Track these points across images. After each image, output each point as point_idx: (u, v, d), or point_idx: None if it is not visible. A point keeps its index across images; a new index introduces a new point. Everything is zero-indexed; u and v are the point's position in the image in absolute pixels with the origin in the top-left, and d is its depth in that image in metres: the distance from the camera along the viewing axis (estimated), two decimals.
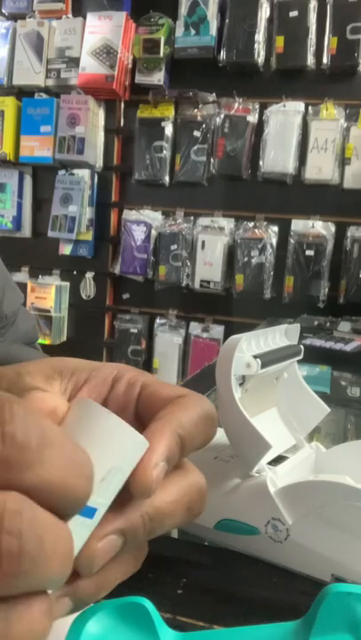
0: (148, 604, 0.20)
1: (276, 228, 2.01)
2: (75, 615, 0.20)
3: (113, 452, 0.22)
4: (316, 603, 0.20)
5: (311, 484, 0.35)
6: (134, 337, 2.17)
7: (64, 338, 2.25)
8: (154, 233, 2.11)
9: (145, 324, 2.16)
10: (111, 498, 0.22)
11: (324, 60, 1.91)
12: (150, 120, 2.09)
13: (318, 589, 0.23)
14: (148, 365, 2.14)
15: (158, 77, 2.06)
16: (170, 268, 2.08)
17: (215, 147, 2.03)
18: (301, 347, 0.44)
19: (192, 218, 2.08)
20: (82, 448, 0.19)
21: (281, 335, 0.44)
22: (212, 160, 2.04)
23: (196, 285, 2.06)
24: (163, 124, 2.07)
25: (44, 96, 2.17)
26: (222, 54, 1.98)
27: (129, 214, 2.14)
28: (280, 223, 2.01)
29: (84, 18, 2.10)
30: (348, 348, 1.35)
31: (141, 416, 0.28)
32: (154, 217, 2.12)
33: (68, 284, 2.25)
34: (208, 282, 2.05)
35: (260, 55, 1.97)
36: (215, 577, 0.38)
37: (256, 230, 2.00)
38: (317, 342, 1.33)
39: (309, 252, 1.94)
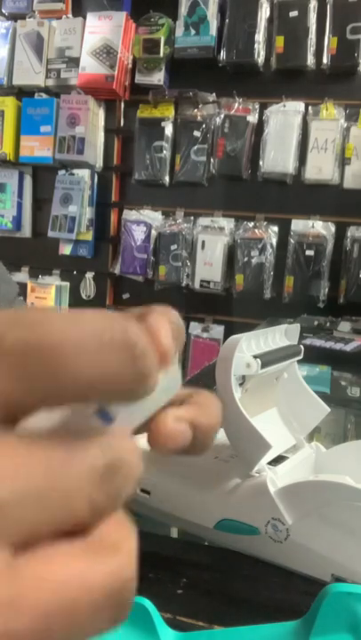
0: (149, 604, 0.20)
1: (276, 228, 2.01)
2: None
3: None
4: (317, 603, 0.20)
5: (311, 484, 0.35)
6: None
7: None
8: (154, 233, 2.11)
9: None
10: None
11: (324, 60, 1.91)
12: (150, 120, 2.09)
13: (318, 589, 0.23)
14: None
15: (158, 77, 2.06)
16: (170, 267, 2.08)
17: (215, 147, 2.03)
18: (301, 347, 0.44)
19: (192, 218, 2.08)
20: None
21: (281, 335, 0.44)
22: (212, 160, 2.04)
23: (196, 285, 2.06)
24: (163, 124, 2.07)
25: (44, 96, 2.17)
26: (222, 54, 1.98)
27: (129, 214, 2.14)
28: (280, 223, 2.01)
29: (84, 18, 2.10)
30: (349, 347, 1.35)
31: None
32: (154, 217, 2.12)
33: (68, 284, 2.25)
34: (208, 282, 2.05)
35: (260, 55, 1.97)
36: (215, 577, 0.38)
37: (256, 230, 2.00)
38: (317, 342, 1.33)
39: (309, 252, 1.94)
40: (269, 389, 0.45)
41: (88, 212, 2.17)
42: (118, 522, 0.17)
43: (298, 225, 1.97)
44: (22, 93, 2.19)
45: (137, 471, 0.17)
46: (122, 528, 0.17)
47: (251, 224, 2.01)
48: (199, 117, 2.05)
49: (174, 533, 0.47)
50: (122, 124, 2.17)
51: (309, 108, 1.95)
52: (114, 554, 0.16)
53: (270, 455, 0.41)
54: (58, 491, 0.15)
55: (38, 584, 0.15)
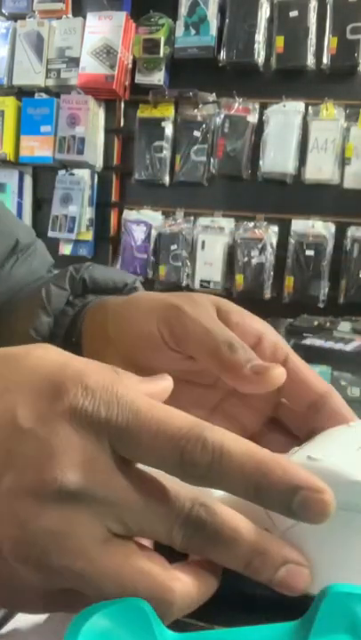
0: (147, 606, 0.20)
1: (276, 228, 2.01)
2: (72, 617, 0.20)
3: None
4: (315, 603, 0.20)
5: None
6: None
7: None
8: (154, 233, 2.10)
9: None
10: None
11: (324, 60, 1.91)
12: (150, 120, 2.09)
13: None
14: None
15: (158, 77, 2.06)
16: (170, 267, 2.07)
17: (215, 147, 2.03)
18: None
19: (192, 218, 2.08)
20: None
21: None
22: (212, 160, 2.04)
23: (196, 285, 2.06)
24: (163, 124, 2.07)
25: (44, 96, 2.17)
26: (222, 54, 1.98)
27: (129, 214, 2.14)
28: (280, 223, 2.01)
29: (84, 18, 2.10)
30: (349, 347, 1.35)
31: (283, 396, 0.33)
32: (154, 217, 2.12)
33: None
34: (208, 282, 2.05)
35: (260, 55, 1.96)
36: None
37: (256, 230, 2.00)
38: (317, 342, 1.33)
39: (309, 252, 1.94)
40: None
41: (88, 212, 2.16)
42: (196, 573, 0.23)
43: (298, 225, 1.97)
44: (22, 93, 2.19)
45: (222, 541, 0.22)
46: (193, 577, 0.23)
47: (251, 224, 2.01)
48: (199, 117, 2.04)
49: None
50: (122, 124, 2.16)
51: (309, 107, 1.95)
52: (171, 586, 0.22)
53: None
54: (148, 517, 0.22)
55: (110, 569, 0.22)
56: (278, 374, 0.30)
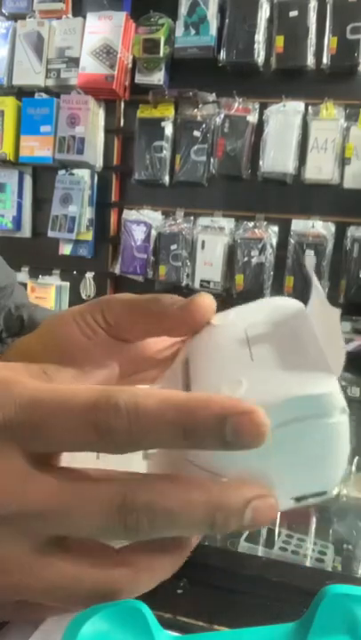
0: (145, 608, 0.20)
1: (276, 228, 2.01)
2: (70, 618, 0.20)
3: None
4: (314, 604, 0.20)
5: None
6: None
7: None
8: (154, 233, 2.10)
9: None
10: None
11: (324, 60, 1.91)
12: (150, 120, 2.09)
13: (318, 589, 0.23)
14: None
15: (158, 77, 2.06)
16: (170, 267, 2.08)
17: (215, 147, 2.03)
18: None
19: (192, 218, 2.08)
20: None
21: None
22: (212, 160, 2.04)
23: (196, 285, 2.06)
24: (163, 124, 2.07)
25: (44, 96, 2.17)
26: (222, 54, 1.98)
27: (129, 214, 2.14)
28: (280, 223, 2.01)
29: (84, 18, 2.10)
30: (349, 348, 1.35)
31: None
32: (154, 217, 2.12)
33: (68, 283, 2.25)
34: (208, 282, 2.05)
35: (260, 55, 1.96)
36: (215, 577, 0.38)
37: (256, 230, 2.00)
38: None
39: (309, 252, 1.94)
40: None
41: (88, 212, 2.16)
42: (148, 550, 0.22)
43: (298, 225, 1.97)
44: (22, 93, 2.19)
45: (163, 515, 0.20)
46: (143, 556, 0.22)
47: (251, 224, 2.01)
48: (199, 117, 2.04)
49: None
50: (122, 123, 2.16)
51: (309, 107, 1.95)
52: (113, 576, 0.21)
53: None
54: (79, 516, 0.21)
55: (47, 571, 0.21)
56: (203, 299, 0.28)
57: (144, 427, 0.20)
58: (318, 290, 0.25)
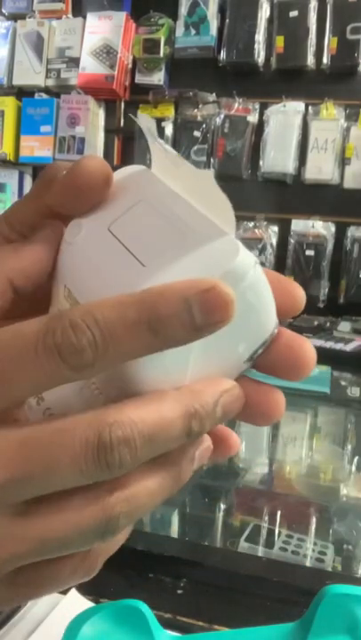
0: (144, 607, 0.20)
1: (276, 228, 2.01)
2: (70, 618, 0.20)
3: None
4: (314, 604, 0.20)
5: None
6: None
7: None
8: None
9: None
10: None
11: (324, 60, 1.91)
12: None
13: (318, 589, 0.23)
14: None
15: (158, 77, 2.06)
16: None
17: (215, 147, 2.03)
18: None
19: None
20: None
21: None
22: (212, 160, 2.04)
23: None
24: (163, 124, 2.07)
25: (44, 96, 2.17)
26: (222, 54, 1.98)
27: None
28: (280, 223, 2.01)
29: (84, 18, 2.10)
30: (348, 348, 1.35)
31: None
32: None
33: None
34: None
35: (260, 55, 1.96)
36: (215, 577, 0.38)
37: (256, 230, 2.00)
38: (317, 342, 1.33)
39: (309, 252, 1.94)
40: None
41: None
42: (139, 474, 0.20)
43: (298, 225, 1.97)
44: (22, 93, 2.19)
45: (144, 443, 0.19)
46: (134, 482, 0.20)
47: (251, 224, 2.01)
48: (199, 117, 2.04)
49: (174, 533, 0.47)
50: (122, 123, 2.16)
51: (309, 107, 1.95)
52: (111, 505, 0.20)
53: None
54: (44, 474, 0.18)
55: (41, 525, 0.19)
56: (88, 160, 0.23)
57: (109, 335, 0.18)
58: (160, 147, 0.22)
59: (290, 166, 1.95)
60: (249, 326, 0.21)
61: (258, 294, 0.21)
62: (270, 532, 0.60)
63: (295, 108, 1.95)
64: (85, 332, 0.18)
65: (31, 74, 2.14)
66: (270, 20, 1.97)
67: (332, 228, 1.96)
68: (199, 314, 0.18)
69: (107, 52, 2.06)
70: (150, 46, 2.03)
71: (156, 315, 0.18)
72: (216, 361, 0.21)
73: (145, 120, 0.23)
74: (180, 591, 0.36)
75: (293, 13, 1.93)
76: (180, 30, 2.02)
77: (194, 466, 0.22)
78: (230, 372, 0.22)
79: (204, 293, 0.18)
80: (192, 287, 0.18)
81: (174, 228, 0.21)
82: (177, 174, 0.22)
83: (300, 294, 0.24)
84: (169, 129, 2.07)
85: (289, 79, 1.98)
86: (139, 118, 0.23)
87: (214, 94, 2.03)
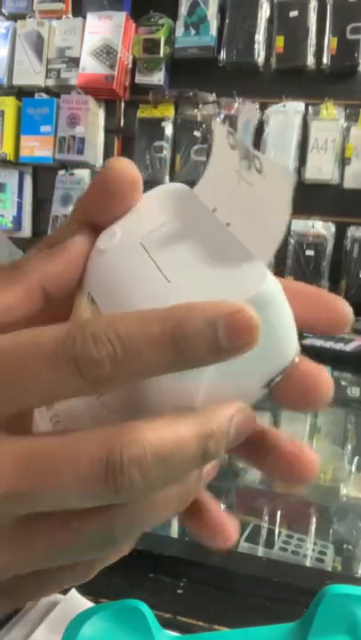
0: (144, 607, 0.20)
1: None
2: (70, 618, 0.20)
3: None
4: (314, 604, 0.20)
5: None
6: None
7: None
8: None
9: None
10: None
11: (324, 60, 1.91)
12: (150, 120, 2.09)
13: (319, 589, 0.23)
14: None
15: (158, 77, 2.06)
16: None
17: None
18: None
19: None
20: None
21: None
22: None
23: None
24: (163, 124, 2.07)
25: (44, 96, 2.17)
26: (222, 54, 1.98)
27: None
28: None
29: (84, 18, 2.10)
30: (348, 348, 1.35)
31: None
32: None
33: None
34: None
35: (260, 55, 1.96)
36: (215, 577, 0.38)
37: None
38: (317, 342, 1.33)
39: (309, 252, 1.94)
40: None
41: None
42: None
43: (298, 225, 1.97)
44: (22, 93, 2.19)
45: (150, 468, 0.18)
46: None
47: None
48: (199, 117, 2.04)
49: (174, 533, 0.47)
50: (122, 123, 2.16)
51: (309, 107, 1.95)
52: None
53: None
54: (48, 492, 0.18)
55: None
56: (115, 161, 0.23)
57: (131, 350, 0.17)
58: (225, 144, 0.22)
59: (290, 166, 1.94)
60: (269, 352, 0.21)
61: (281, 321, 0.21)
62: (270, 532, 0.60)
63: (295, 108, 1.95)
64: (106, 345, 0.17)
65: (31, 74, 2.14)
66: (270, 20, 1.97)
67: (332, 228, 1.96)
68: (224, 336, 0.17)
69: (107, 52, 2.06)
70: (150, 46, 2.03)
71: (181, 333, 0.17)
72: (232, 385, 0.21)
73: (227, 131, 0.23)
74: (180, 591, 0.36)
75: (293, 13, 1.93)
76: (179, 30, 2.02)
77: (201, 484, 0.22)
78: (246, 397, 0.21)
79: (231, 316, 0.17)
80: (219, 309, 0.18)
81: (205, 248, 0.21)
82: (252, 181, 0.22)
83: (345, 310, 0.23)
84: (169, 129, 2.07)
85: (289, 79, 1.98)
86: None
87: (214, 94, 2.03)
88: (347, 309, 0.23)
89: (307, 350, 0.23)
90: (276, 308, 0.20)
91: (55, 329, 0.18)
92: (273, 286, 0.20)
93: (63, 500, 0.18)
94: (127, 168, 0.23)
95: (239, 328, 0.17)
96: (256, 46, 1.95)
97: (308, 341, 1.31)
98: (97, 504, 0.18)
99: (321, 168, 1.93)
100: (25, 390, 0.18)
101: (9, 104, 2.17)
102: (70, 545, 0.19)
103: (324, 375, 0.22)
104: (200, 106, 2.05)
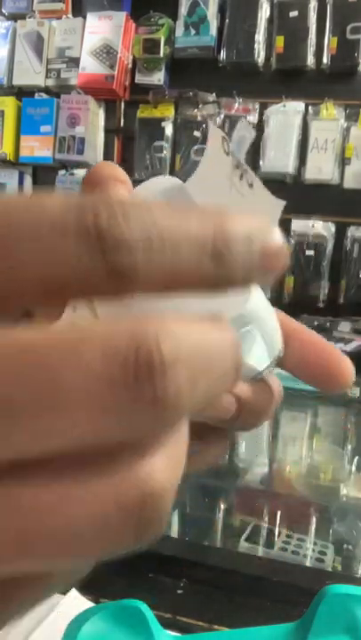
0: (144, 607, 0.20)
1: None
2: (70, 618, 0.20)
3: None
4: (314, 604, 0.20)
5: None
6: None
7: None
8: None
9: None
10: None
11: (324, 60, 1.91)
12: (150, 120, 2.09)
13: (318, 589, 0.23)
14: None
15: (158, 77, 2.06)
16: None
17: None
18: None
19: None
20: None
21: None
22: None
23: None
24: (163, 124, 2.07)
25: (44, 96, 2.17)
26: (222, 54, 1.98)
27: None
28: (280, 223, 1.98)
29: (84, 18, 2.10)
30: (348, 348, 1.35)
31: None
32: None
33: None
34: None
35: (260, 55, 1.97)
36: (215, 577, 0.38)
37: None
38: None
39: (309, 252, 1.94)
40: None
41: None
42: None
43: (298, 225, 1.97)
44: (22, 93, 2.19)
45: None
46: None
47: None
48: (199, 117, 2.05)
49: (174, 533, 0.47)
50: (122, 123, 2.16)
51: (309, 107, 1.95)
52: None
53: None
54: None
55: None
56: (101, 166, 0.22)
57: (169, 241, 0.13)
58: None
59: (290, 166, 1.95)
60: (259, 347, 0.22)
61: (265, 320, 0.22)
62: (270, 532, 0.60)
63: (295, 108, 1.95)
64: (142, 226, 0.13)
65: (31, 74, 2.15)
66: (270, 20, 1.97)
67: (332, 228, 1.96)
68: (259, 253, 0.15)
69: (107, 52, 2.06)
70: (150, 46, 2.03)
71: (223, 236, 0.14)
72: None
73: (218, 132, 0.22)
74: (180, 591, 0.36)
75: (293, 13, 1.93)
76: (179, 30, 2.02)
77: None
78: None
79: (267, 233, 0.16)
80: (256, 224, 0.16)
81: None
82: (243, 192, 0.21)
83: (346, 374, 0.22)
84: (169, 129, 2.07)
85: (289, 79, 1.98)
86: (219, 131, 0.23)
87: (214, 94, 2.04)
88: (348, 373, 0.22)
89: None
90: (261, 315, 0.21)
91: (60, 198, 0.13)
92: (258, 298, 0.21)
93: (63, 424, 0.11)
94: (110, 165, 0.22)
95: (273, 247, 0.16)
96: (256, 46, 1.95)
97: None
98: (114, 437, 0.12)
99: (321, 168, 1.93)
100: (17, 270, 0.12)
101: (9, 104, 2.17)
102: (75, 524, 0.12)
103: (347, 360, 0.22)
104: (200, 106, 2.05)
